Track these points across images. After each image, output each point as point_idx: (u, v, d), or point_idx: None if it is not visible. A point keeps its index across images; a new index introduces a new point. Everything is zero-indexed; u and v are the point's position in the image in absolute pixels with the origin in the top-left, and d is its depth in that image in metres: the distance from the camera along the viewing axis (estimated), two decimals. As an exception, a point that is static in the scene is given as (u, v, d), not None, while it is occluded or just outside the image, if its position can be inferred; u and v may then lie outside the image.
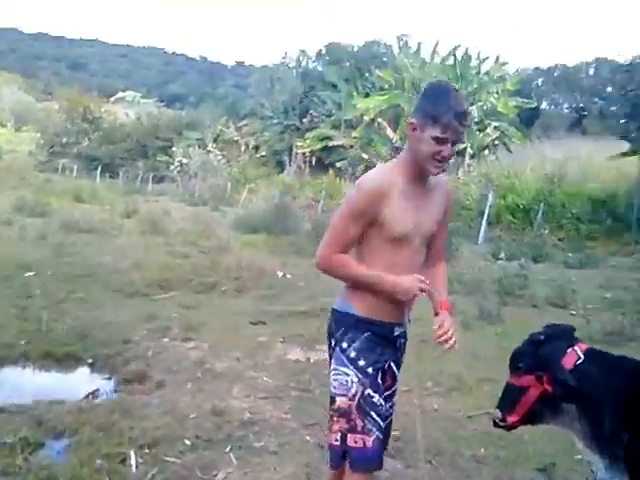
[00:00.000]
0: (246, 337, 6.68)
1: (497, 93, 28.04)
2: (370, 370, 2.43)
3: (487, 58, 29.64)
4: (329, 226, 2.49)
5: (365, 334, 2.46)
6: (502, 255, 13.22)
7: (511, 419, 2.59)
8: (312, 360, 5.97)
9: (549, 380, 2.45)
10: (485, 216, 17.17)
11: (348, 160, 31.12)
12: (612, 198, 17.40)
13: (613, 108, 44.00)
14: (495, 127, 27.53)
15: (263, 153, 39.71)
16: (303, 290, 9.25)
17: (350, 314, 2.49)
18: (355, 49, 41.42)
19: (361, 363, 2.43)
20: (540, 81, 56.57)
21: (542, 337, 2.56)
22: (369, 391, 2.42)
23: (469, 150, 25.94)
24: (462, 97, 2.39)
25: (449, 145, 2.33)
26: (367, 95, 31.97)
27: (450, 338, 2.43)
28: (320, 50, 43.09)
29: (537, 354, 2.51)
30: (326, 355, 2.67)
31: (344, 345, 2.47)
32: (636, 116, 17.10)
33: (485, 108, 27.29)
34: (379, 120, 29.24)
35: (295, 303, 8.38)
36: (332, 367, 2.51)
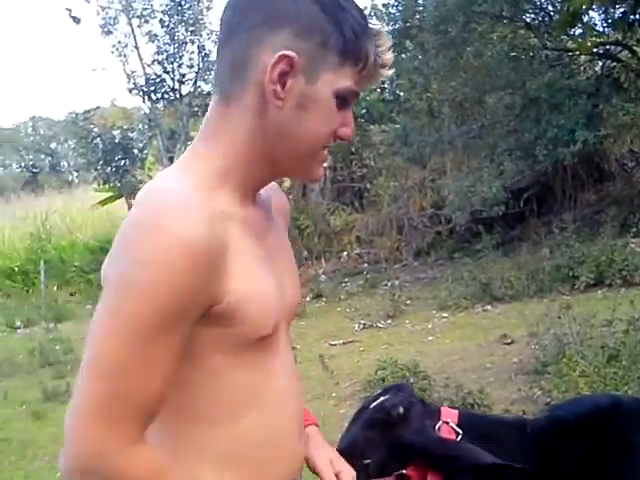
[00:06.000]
0: None
1: None
2: None
3: None
4: (84, 370, 0.93)
5: None
6: (19, 323, 11.93)
7: None
8: None
9: (426, 473, 1.47)
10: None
11: None
12: (110, 244, 17.20)
13: (64, 162, 44.59)
14: None
15: None
16: None
17: None
18: None
19: None
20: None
21: (400, 410, 1.52)
22: None
23: None
24: None
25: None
26: None
27: None
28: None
29: (395, 438, 1.50)
30: None
31: None
32: (109, 160, 17.29)
33: None
34: None
35: None
36: None
